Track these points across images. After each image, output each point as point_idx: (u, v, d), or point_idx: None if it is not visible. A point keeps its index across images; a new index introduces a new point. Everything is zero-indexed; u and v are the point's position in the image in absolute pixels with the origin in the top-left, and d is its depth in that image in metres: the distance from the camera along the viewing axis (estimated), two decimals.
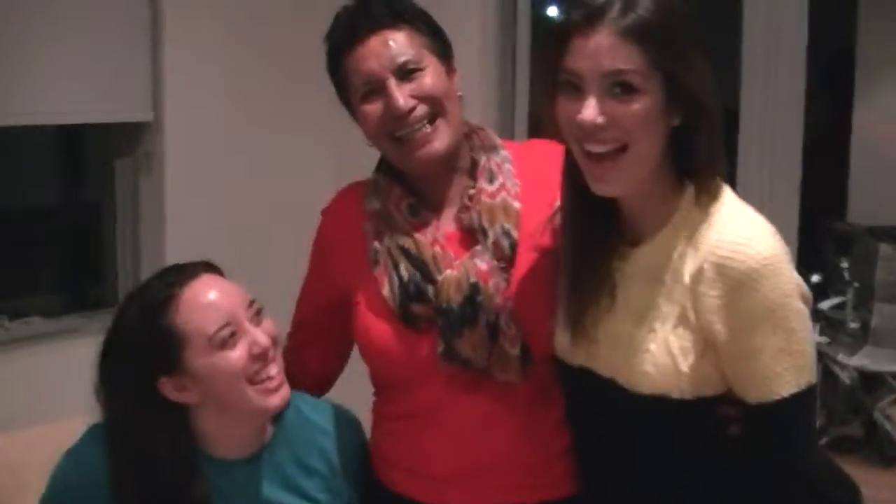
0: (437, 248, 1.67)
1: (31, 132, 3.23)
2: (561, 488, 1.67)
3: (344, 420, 1.80)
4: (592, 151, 1.42)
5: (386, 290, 1.67)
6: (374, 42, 1.65)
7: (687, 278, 1.44)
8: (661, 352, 1.45)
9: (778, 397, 1.42)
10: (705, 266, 1.42)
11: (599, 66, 1.38)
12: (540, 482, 1.67)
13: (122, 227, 3.38)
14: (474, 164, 1.72)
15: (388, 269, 1.68)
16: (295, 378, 1.71)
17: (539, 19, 3.71)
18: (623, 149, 1.41)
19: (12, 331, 3.14)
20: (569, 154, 1.50)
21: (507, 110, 3.53)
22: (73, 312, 3.32)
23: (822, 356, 4.61)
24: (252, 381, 1.61)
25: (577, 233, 1.54)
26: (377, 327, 1.69)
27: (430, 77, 1.66)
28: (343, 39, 1.69)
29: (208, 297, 1.61)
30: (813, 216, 4.55)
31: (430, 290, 1.64)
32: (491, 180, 1.70)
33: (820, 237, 5.30)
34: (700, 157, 1.44)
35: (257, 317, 1.64)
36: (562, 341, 1.59)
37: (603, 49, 1.37)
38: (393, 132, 1.66)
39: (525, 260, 1.66)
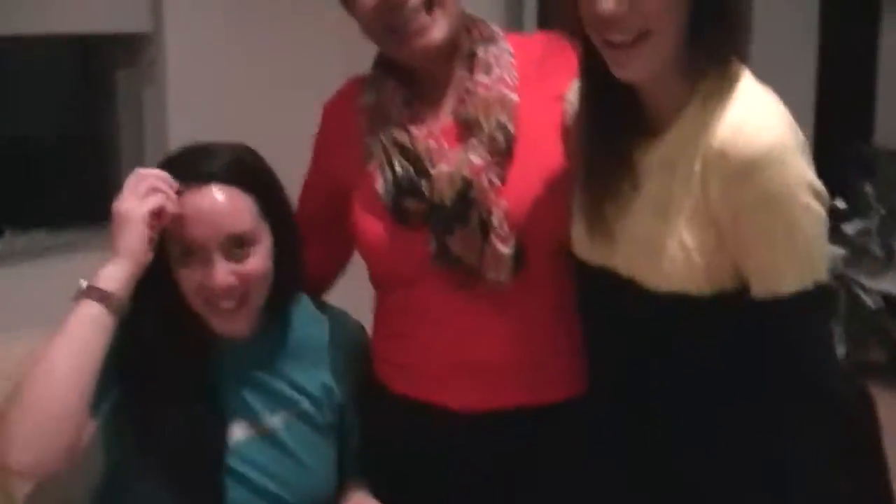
0: (432, 142, 1.60)
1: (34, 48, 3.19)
2: (561, 390, 1.62)
3: (345, 323, 1.77)
4: (614, 41, 1.35)
5: (379, 185, 1.61)
6: None
7: (697, 166, 1.37)
8: (676, 247, 1.38)
9: (776, 295, 1.34)
10: (710, 152, 1.35)
11: None
12: (538, 383, 1.62)
13: (127, 139, 3.33)
14: (472, 57, 1.64)
15: (381, 163, 1.62)
16: None
17: None
18: (645, 35, 1.34)
19: (15, 243, 3.13)
20: (587, 40, 1.41)
21: (516, 6, 3.42)
22: (76, 225, 3.26)
23: (845, 280, 4.52)
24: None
25: (598, 122, 1.46)
26: (370, 224, 1.63)
27: None
28: None
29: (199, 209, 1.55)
30: (836, 139, 4.44)
31: (424, 184, 1.58)
32: (488, 72, 1.62)
33: (844, 161, 5.17)
34: (716, 40, 1.36)
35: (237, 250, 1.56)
36: (579, 239, 1.51)
37: None
38: (389, 23, 1.58)
39: (524, 156, 1.59)
